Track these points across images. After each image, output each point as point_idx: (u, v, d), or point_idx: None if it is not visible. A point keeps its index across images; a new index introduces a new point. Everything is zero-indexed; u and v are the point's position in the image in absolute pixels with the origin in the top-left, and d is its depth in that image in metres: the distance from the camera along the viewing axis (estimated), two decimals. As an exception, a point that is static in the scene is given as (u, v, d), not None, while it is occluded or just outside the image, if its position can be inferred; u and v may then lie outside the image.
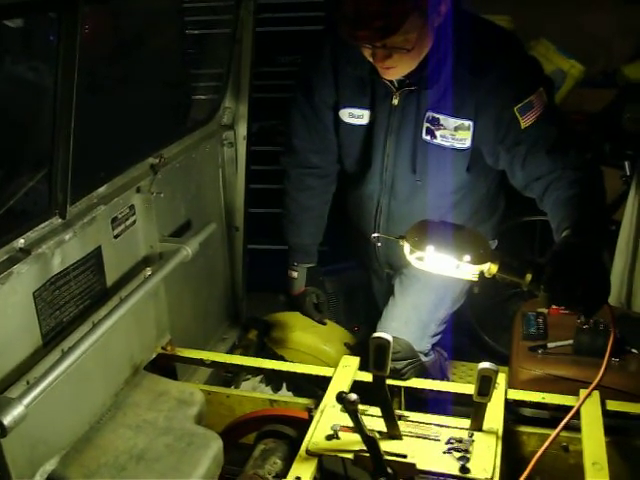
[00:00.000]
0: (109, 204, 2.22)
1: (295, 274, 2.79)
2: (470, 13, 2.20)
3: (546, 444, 1.82)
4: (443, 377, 2.93)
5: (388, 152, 2.38)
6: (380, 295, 2.89)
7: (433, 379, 2.46)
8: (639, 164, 3.19)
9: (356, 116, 2.39)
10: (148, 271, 2.46)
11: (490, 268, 1.84)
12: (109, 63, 3.21)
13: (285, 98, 2.71)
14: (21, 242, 1.88)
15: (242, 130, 3.14)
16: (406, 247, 1.89)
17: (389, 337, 1.76)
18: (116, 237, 2.29)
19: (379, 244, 2.54)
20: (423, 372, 2.52)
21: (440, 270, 1.89)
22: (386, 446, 1.87)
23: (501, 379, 2.17)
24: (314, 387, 2.46)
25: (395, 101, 2.29)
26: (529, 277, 1.81)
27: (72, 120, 1.93)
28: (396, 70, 2.16)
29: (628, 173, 3.68)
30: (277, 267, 2.89)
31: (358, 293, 3.35)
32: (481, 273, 1.85)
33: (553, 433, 1.86)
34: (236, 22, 2.90)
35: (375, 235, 2.42)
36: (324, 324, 2.89)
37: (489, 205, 2.55)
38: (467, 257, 1.82)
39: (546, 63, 4.03)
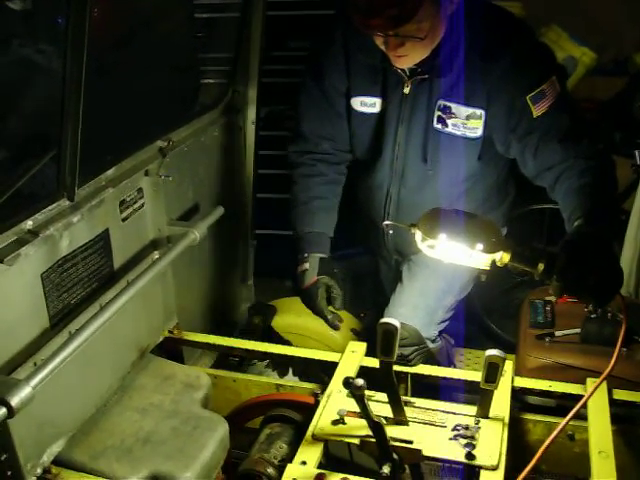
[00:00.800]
0: (117, 187, 2.22)
1: (306, 265, 2.52)
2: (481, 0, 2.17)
3: (554, 434, 1.81)
4: (450, 364, 2.93)
5: (399, 141, 2.36)
6: (388, 281, 2.89)
7: (440, 366, 2.46)
8: (650, 153, 3.17)
9: (368, 104, 2.37)
10: (156, 254, 2.47)
11: (502, 257, 1.83)
12: (118, 46, 3.19)
13: (295, 83, 2.67)
14: (29, 224, 1.88)
15: (251, 114, 3.13)
16: (418, 235, 1.88)
17: (397, 323, 1.76)
18: (124, 220, 2.28)
19: (390, 232, 2.51)
20: (430, 358, 2.52)
21: (451, 258, 1.88)
22: (392, 432, 1.88)
23: (508, 367, 2.17)
24: (320, 372, 2.46)
25: (406, 89, 2.26)
26: (541, 266, 1.80)
27: (81, 103, 1.93)
28: (408, 58, 2.14)
29: (638, 162, 3.65)
30: (284, 252, 2.87)
31: (365, 279, 3.34)
32: (493, 262, 1.84)
33: (561, 423, 1.85)
34: (245, 5, 2.88)
35: (386, 223, 2.39)
36: (337, 327, 2.51)
37: (499, 192, 2.54)
38: (480, 246, 1.81)
39: (557, 50, 4.01)
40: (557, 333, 2.67)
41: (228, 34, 3.09)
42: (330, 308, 2.47)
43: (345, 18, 2.22)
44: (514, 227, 2.79)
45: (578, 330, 2.64)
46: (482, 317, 3.91)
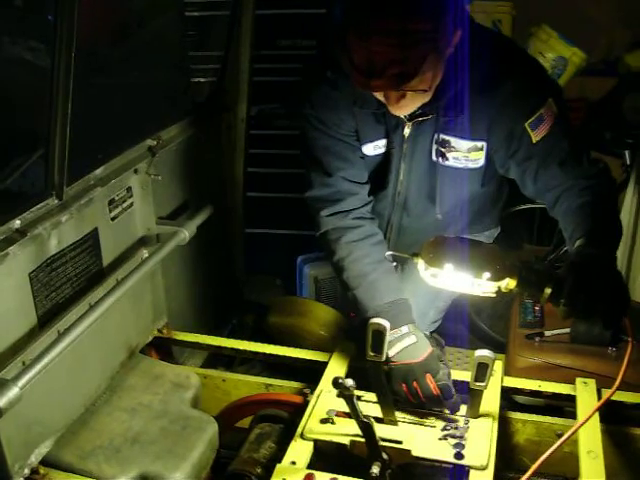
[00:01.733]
0: (106, 186, 2.21)
1: (413, 338, 2.07)
2: (468, 26, 2.10)
3: (557, 444, 1.76)
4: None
5: (401, 178, 2.29)
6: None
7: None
8: (639, 153, 3.18)
9: (381, 146, 2.25)
10: (145, 253, 2.45)
11: (508, 283, 1.79)
12: (107, 44, 3.18)
13: (285, 82, 2.63)
14: (17, 223, 1.87)
15: (241, 113, 3.13)
16: (420, 264, 1.84)
17: (386, 323, 1.76)
18: (113, 219, 2.28)
19: (394, 263, 2.34)
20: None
21: (455, 287, 1.84)
22: (381, 432, 1.87)
23: (497, 366, 2.17)
24: (310, 372, 2.46)
25: (407, 131, 2.19)
26: (548, 291, 1.77)
27: (69, 101, 1.92)
28: (409, 107, 2.03)
29: (628, 162, 3.67)
30: (274, 251, 2.86)
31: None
32: (498, 288, 1.82)
33: (570, 430, 1.82)
34: (235, 3, 2.87)
35: (389, 253, 2.13)
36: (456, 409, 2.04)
37: (494, 197, 2.53)
38: (486, 274, 1.76)
39: (547, 50, 4.01)
40: (547, 333, 2.67)
41: (218, 32, 3.08)
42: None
43: (333, 64, 2.04)
44: (503, 227, 2.78)
45: (568, 330, 2.64)
46: (472, 317, 3.91)
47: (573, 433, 1.81)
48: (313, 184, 2.25)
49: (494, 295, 1.81)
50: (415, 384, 1.99)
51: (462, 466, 1.83)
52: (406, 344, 2.05)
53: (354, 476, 1.79)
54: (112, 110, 2.84)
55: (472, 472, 1.80)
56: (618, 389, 1.86)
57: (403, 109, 2.02)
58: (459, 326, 3.77)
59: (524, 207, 3.79)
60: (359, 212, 2.24)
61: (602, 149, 3.87)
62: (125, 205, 2.34)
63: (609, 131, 4.01)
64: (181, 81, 3.53)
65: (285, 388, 2.40)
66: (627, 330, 1.83)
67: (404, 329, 2.08)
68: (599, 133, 4.04)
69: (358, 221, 2.22)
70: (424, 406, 2.01)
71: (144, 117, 2.87)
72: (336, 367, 2.26)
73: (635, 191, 3.07)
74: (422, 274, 1.84)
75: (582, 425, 1.85)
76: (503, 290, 1.80)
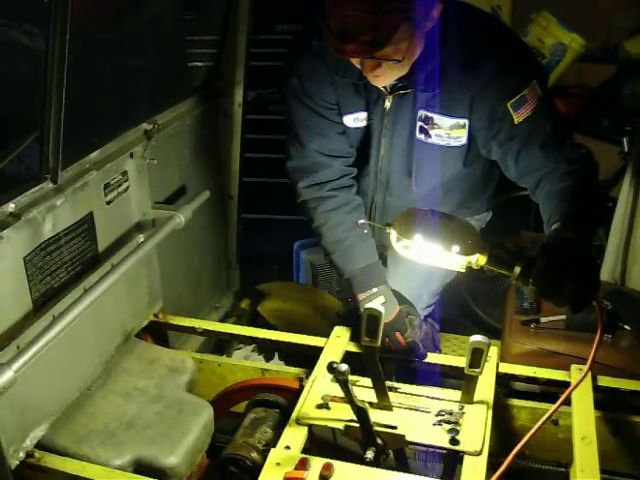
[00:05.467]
0: (101, 170, 2.20)
1: (381, 298, 2.27)
2: (457, 3, 2.09)
3: (538, 425, 1.81)
4: (435, 349, 2.93)
5: (382, 154, 2.31)
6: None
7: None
8: (637, 141, 3.17)
9: (361, 119, 2.28)
10: (140, 238, 2.45)
11: (478, 259, 1.81)
12: (103, 27, 3.16)
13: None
14: (11, 207, 1.86)
15: (237, 97, 3.11)
16: (392, 235, 1.85)
17: (381, 308, 1.75)
18: (108, 203, 2.27)
19: (365, 231, 2.42)
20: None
21: (426, 260, 1.86)
22: (376, 417, 1.87)
23: (493, 352, 2.17)
24: (306, 357, 2.46)
25: (387, 104, 2.20)
26: (517, 270, 1.78)
27: (64, 84, 1.90)
28: (386, 78, 2.06)
29: (626, 149, 3.66)
30: (270, 237, 2.86)
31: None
32: (468, 264, 1.83)
33: (547, 412, 1.85)
34: (233, -13, 2.86)
35: (361, 221, 2.28)
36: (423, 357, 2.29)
37: (484, 180, 2.52)
38: (456, 248, 1.78)
39: (547, 36, 4.00)
40: (542, 319, 2.68)
41: (216, 16, 3.06)
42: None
43: (319, 34, 2.06)
44: (500, 213, 2.78)
45: (563, 317, 2.65)
46: (468, 302, 3.92)
47: (550, 415, 1.85)
48: (291, 155, 2.36)
49: (463, 270, 1.83)
50: (387, 340, 2.23)
51: (456, 451, 1.83)
52: (377, 303, 2.22)
53: (348, 461, 1.79)
54: (108, 94, 2.83)
55: (466, 457, 1.80)
56: (612, 375, 1.87)
57: (380, 79, 2.06)
58: (455, 311, 3.79)
59: (521, 194, 3.79)
60: (335, 183, 2.33)
61: (600, 136, 3.87)
62: (121, 189, 2.33)
63: (607, 118, 4.01)
64: (178, 65, 3.52)
65: (281, 373, 2.40)
66: (597, 315, 1.85)
67: (374, 290, 2.28)
68: (597, 120, 4.03)
69: (333, 192, 2.33)
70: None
71: (140, 101, 2.86)
72: (332, 352, 2.26)
73: (632, 178, 3.06)
74: (394, 245, 1.88)
75: (558, 407, 1.86)
76: (474, 266, 1.82)
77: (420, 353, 2.27)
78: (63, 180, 2.04)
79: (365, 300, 2.28)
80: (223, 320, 3.22)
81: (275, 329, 2.72)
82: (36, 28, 2.89)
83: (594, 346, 1.87)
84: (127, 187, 2.36)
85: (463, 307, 3.92)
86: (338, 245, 2.33)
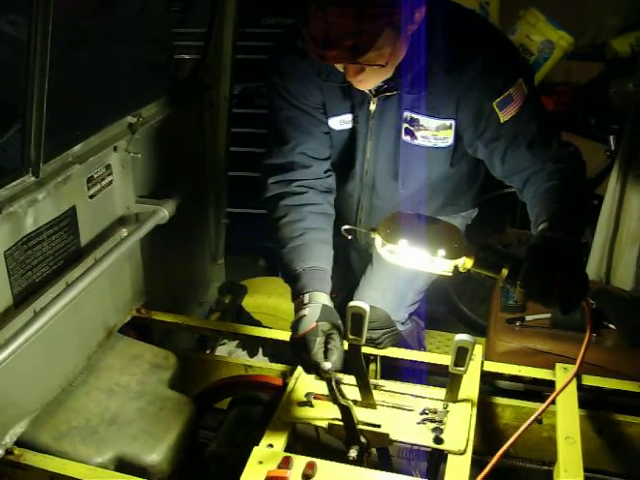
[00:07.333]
0: (84, 163, 2.17)
1: (306, 310, 1.96)
2: (443, 3, 2.06)
3: (525, 425, 1.81)
4: (420, 346, 2.92)
5: (368, 156, 2.29)
6: (358, 264, 2.86)
7: (410, 348, 2.45)
8: (624, 139, 3.17)
9: (346, 122, 2.25)
10: (124, 232, 2.42)
11: (465, 262, 1.79)
12: (88, 17, 3.12)
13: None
14: (-9, 200, 1.83)
15: (224, 90, 3.08)
16: (377, 240, 1.83)
17: (366, 306, 1.74)
18: (91, 197, 2.24)
19: (349, 237, 2.34)
20: (400, 341, 2.50)
21: (412, 264, 1.84)
22: (360, 415, 1.87)
23: (478, 351, 2.16)
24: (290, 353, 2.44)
25: (372, 107, 2.19)
26: (505, 272, 1.76)
27: (46, 75, 1.87)
28: (369, 82, 2.04)
29: (613, 148, 3.67)
30: (255, 231, 2.83)
31: (337, 259, 3.33)
32: (455, 268, 1.81)
33: (534, 413, 1.85)
34: (220, -21, 2.83)
35: (346, 227, 2.04)
36: (334, 386, 1.81)
37: (469, 178, 2.52)
38: (442, 252, 1.76)
39: (535, 33, 3.99)
40: (528, 317, 2.68)
41: (203, 9, 3.03)
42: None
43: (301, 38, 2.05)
44: (486, 211, 2.77)
45: (548, 315, 2.65)
46: (454, 300, 3.92)
47: (537, 416, 1.85)
48: (271, 152, 2.27)
49: (450, 274, 1.81)
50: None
51: (440, 450, 1.82)
52: (299, 316, 1.96)
53: (332, 459, 1.78)
54: (92, 86, 2.79)
55: (450, 457, 1.80)
56: (596, 374, 1.87)
57: (363, 83, 2.03)
58: (440, 309, 3.79)
59: (507, 191, 3.79)
60: (307, 182, 2.22)
61: (587, 134, 3.88)
62: (104, 183, 2.30)
63: (594, 116, 4.01)
64: (164, 58, 3.48)
65: (265, 370, 2.39)
66: (587, 316, 1.84)
67: (305, 298, 2.00)
68: (584, 118, 4.04)
69: (302, 189, 2.21)
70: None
71: (125, 93, 2.82)
72: (316, 349, 2.24)
73: (619, 176, 3.07)
74: (379, 250, 1.84)
75: (546, 408, 1.87)
76: (460, 270, 1.81)
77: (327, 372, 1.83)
78: (45, 174, 2.01)
79: (294, 309, 2.03)
80: (207, 315, 3.19)
81: (259, 324, 2.71)
82: (21, 18, 2.85)
83: (583, 347, 1.87)
84: (110, 181, 2.33)
85: (449, 304, 3.92)
86: (290, 242, 2.13)
